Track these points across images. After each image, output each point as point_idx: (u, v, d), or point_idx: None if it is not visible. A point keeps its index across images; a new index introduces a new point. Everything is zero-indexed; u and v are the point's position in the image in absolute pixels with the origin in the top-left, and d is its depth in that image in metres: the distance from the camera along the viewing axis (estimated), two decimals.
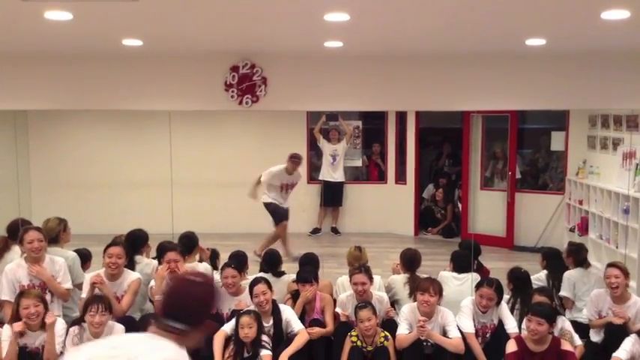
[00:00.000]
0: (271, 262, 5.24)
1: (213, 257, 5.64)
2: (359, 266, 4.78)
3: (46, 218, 5.19)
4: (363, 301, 4.48)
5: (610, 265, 4.77)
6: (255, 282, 4.52)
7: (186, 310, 2.06)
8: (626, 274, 4.63)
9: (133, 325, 4.26)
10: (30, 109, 7.83)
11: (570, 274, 5.16)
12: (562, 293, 5.10)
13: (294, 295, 4.81)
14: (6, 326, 4.15)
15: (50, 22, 3.71)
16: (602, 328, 4.60)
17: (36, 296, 4.17)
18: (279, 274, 5.15)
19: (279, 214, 7.75)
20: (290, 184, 7.84)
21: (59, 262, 4.68)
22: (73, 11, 3.50)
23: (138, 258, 5.13)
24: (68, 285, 4.68)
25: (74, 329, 4.18)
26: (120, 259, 4.64)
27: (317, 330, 4.52)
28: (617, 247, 6.80)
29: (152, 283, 4.77)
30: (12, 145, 8.59)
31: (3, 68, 5.30)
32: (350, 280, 4.72)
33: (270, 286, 4.51)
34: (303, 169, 9.63)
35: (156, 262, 5.15)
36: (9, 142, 8.61)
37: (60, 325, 4.22)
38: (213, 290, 2.17)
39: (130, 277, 4.74)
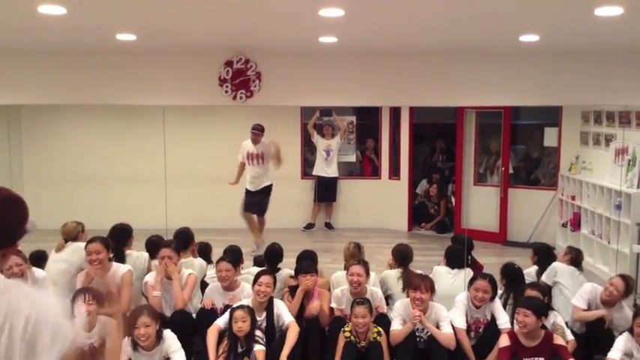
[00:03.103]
0: (272, 257, 5.24)
1: (205, 250, 5.64)
2: (358, 259, 4.81)
3: (63, 222, 5.24)
4: (362, 298, 4.49)
5: (620, 275, 4.76)
6: (263, 272, 4.59)
7: None
8: (628, 290, 4.61)
9: (124, 320, 4.25)
10: (23, 104, 7.79)
11: (556, 264, 5.20)
12: (542, 278, 5.14)
13: (292, 290, 4.82)
14: None
15: (44, 16, 3.69)
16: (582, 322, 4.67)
17: None
18: (277, 269, 5.15)
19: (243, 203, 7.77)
20: (256, 154, 7.76)
21: (39, 279, 4.58)
22: (66, 5, 3.48)
23: (128, 252, 5.13)
24: None
25: None
26: (99, 254, 4.57)
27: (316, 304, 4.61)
28: (609, 243, 6.85)
29: (147, 278, 4.77)
30: (5, 140, 8.58)
31: None
32: (346, 272, 4.74)
33: (274, 283, 4.56)
34: (296, 164, 9.66)
35: (147, 255, 5.16)
36: (2, 137, 8.60)
37: None
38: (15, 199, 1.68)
39: (121, 269, 4.71)
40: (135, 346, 3.97)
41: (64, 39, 4.74)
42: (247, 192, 7.78)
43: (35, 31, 4.41)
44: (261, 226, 7.84)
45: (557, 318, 4.52)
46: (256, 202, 7.74)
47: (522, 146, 9.47)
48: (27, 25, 4.18)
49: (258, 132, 7.75)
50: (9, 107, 8.23)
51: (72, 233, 5.11)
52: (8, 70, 5.28)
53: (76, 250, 5.00)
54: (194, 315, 4.69)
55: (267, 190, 7.82)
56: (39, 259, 5.07)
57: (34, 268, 4.66)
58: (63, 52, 5.23)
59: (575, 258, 5.35)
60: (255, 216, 7.78)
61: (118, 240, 5.00)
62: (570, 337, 4.45)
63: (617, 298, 4.61)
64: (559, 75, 5.18)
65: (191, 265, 5.05)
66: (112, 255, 4.75)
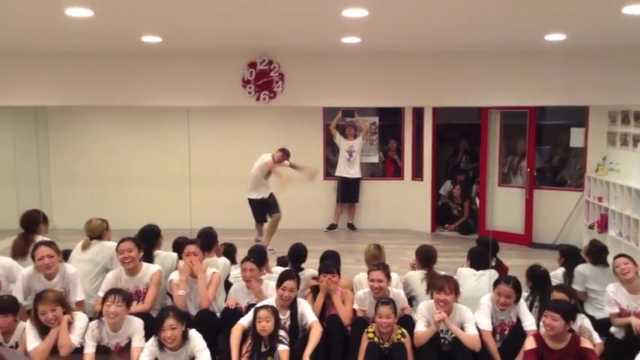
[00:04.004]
0: (297, 257, 5.25)
1: (230, 252, 5.67)
2: (377, 263, 4.78)
3: (88, 219, 5.29)
4: (386, 298, 4.48)
5: (617, 256, 4.85)
6: (288, 275, 4.55)
7: None
8: (634, 262, 4.72)
9: (150, 320, 4.30)
10: (50, 105, 7.92)
11: (582, 269, 5.14)
12: (574, 286, 5.09)
13: (314, 290, 4.82)
14: (28, 323, 4.19)
15: (71, 19, 3.75)
16: (624, 327, 4.58)
17: (52, 301, 4.13)
18: (300, 269, 5.16)
19: (272, 206, 8.01)
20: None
21: (69, 274, 4.62)
22: (93, 8, 3.53)
23: (156, 252, 5.18)
24: (79, 297, 4.61)
25: (94, 323, 4.22)
26: (131, 252, 4.63)
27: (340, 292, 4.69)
28: (637, 245, 6.73)
29: (172, 276, 4.81)
30: (33, 141, 8.73)
31: (24, 65, 5.38)
32: (367, 277, 4.72)
33: (298, 285, 4.57)
34: (319, 165, 9.67)
35: (175, 255, 5.20)
36: (30, 137, 8.76)
37: (82, 318, 4.27)
38: None
39: (151, 269, 4.76)
40: (161, 346, 4.01)
41: (91, 41, 4.81)
42: (258, 200, 8.02)
43: (62, 34, 4.48)
44: (272, 228, 8.01)
45: (584, 321, 4.44)
46: (269, 205, 7.97)
47: (548, 147, 9.35)
48: (54, 28, 4.25)
49: (287, 156, 7.99)
50: (37, 109, 8.38)
51: (97, 230, 5.17)
52: (36, 72, 5.38)
53: (101, 250, 5.07)
54: (218, 314, 4.72)
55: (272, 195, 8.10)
56: (67, 258, 5.14)
57: (66, 264, 4.73)
58: (89, 55, 5.31)
59: (596, 259, 5.23)
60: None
61: (147, 241, 5.04)
62: (598, 340, 4.37)
63: (632, 271, 4.63)
64: (586, 74, 5.11)
65: (215, 265, 5.08)
66: (141, 255, 4.80)
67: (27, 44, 4.96)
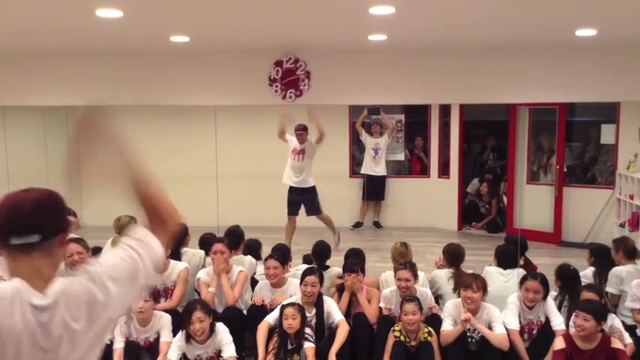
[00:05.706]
0: (321, 254, 5.26)
1: (255, 247, 5.70)
2: (404, 262, 4.76)
3: (117, 216, 5.35)
4: (411, 295, 4.46)
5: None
6: (309, 272, 4.58)
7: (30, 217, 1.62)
8: None
9: (178, 316, 4.35)
10: (81, 105, 8.06)
11: (619, 270, 5.01)
12: (608, 289, 4.98)
13: (340, 289, 4.83)
14: None
15: (101, 19, 3.81)
16: None
17: None
18: (325, 267, 5.17)
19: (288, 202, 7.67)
20: (300, 150, 7.63)
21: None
22: (123, 9, 3.59)
23: (184, 250, 5.24)
24: None
25: (122, 319, 4.28)
26: None
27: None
28: None
29: (199, 274, 4.86)
30: (64, 140, 8.88)
31: (55, 65, 5.49)
32: (394, 276, 4.71)
33: (321, 281, 4.58)
34: (345, 163, 9.66)
35: (202, 252, 5.26)
36: (61, 136, 8.90)
37: None
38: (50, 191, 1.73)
39: (178, 267, 4.82)
40: (188, 339, 4.06)
41: (120, 41, 4.89)
42: (291, 190, 7.67)
43: (92, 34, 4.56)
44: (327, 222, 7.76)
45: (614, 321, 4.37)
46: (306, 201, 7.72)
47: (578, 144, 9.20)
48: (85, 29, 4.33)
49: (301, 132, 7.65)
50: (67, 108, 8.53)
51: (126, 227, 5.24)
52: (66, 72, 5.48)
53: None
54: (245, 311, 4.75)
55: (313, 189, 7.81)
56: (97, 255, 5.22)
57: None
58: (118, 54, 5.39)
59: (627, 248, 5.10)
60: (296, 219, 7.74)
61: (173, 239, 5.09)
62: (629, 340, 4.29)
63: None
64: (617, 70, 5.01)
65: (241, 262, 5.12)
66: (169, 252, 4.86)
67: (58, 45, 5.05)
